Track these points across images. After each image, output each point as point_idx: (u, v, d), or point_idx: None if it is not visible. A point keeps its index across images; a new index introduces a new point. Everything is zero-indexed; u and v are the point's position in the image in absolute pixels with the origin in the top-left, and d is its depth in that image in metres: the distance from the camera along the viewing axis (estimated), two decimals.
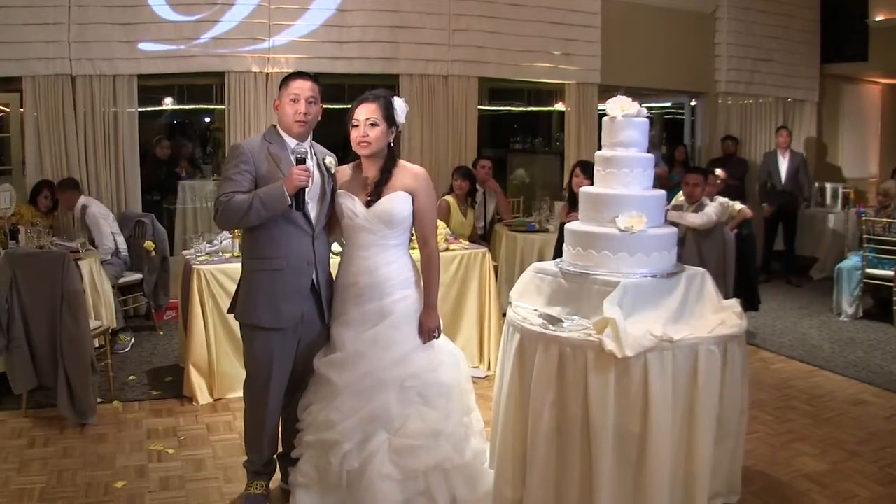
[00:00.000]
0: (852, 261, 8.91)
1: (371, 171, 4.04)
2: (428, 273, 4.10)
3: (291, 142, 4.05)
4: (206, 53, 8.41)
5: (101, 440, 5.20)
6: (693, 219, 7.05)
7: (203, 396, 5.93)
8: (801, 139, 12.30)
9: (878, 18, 11.67)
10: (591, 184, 4.53)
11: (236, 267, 5.85)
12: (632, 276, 4.01)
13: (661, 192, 4.37)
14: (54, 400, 5.44)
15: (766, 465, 4.88)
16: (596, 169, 4.41)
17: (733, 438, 4.10)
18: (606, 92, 9.50)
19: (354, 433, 3.91)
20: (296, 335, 4.10)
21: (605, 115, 4.41)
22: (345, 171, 4.16)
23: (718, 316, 4.12)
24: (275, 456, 4.34)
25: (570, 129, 10.40)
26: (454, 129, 9.56)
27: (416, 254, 4.12)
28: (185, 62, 8.42)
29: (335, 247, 4.64)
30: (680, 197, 7.47)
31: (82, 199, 7.54)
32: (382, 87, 4.21)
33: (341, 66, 8.87)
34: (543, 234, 8.30)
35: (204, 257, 6.27)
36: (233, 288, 5.78)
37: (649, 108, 4.53)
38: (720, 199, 7.44)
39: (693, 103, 12.09)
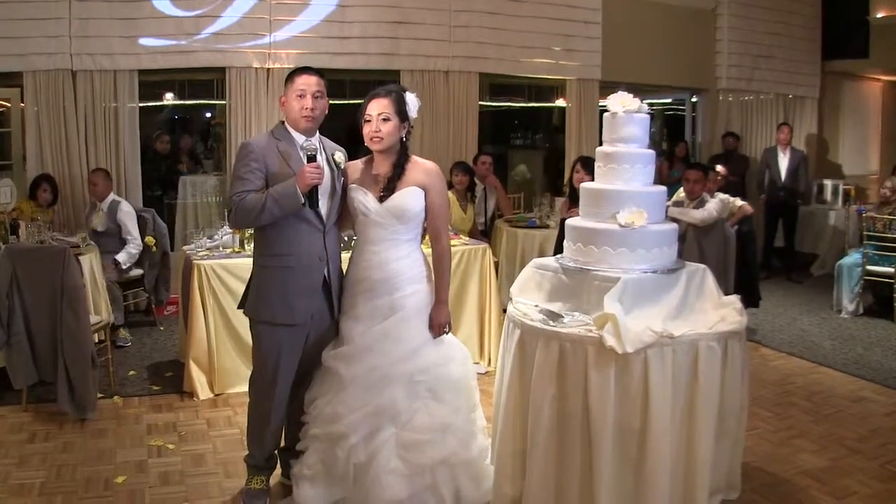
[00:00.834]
0: (853, 258, 8.92)
1: (383, 166, 4.04)
2: (439, 268, 4.11)
3: (300, 138, 4.04)
4: (206, 49, 8.41)
5: (101, 435, 5.20)
6: (694, 215, 7.05)
7: (203, 392, 5.94)
8: (802, 136, 12.29)
9: (879, 15, 11.67)
10: (592, 180, 4.53)
11: (237, 262, 5.92)
12: (632, 271, 4.01)
13: (662, 188, 4.37)
14: (54, 395, 5.44)
15: (766, 461, 4.89)
16: (597, 165, 4.41)
17: (733, 435, 4.10)
18: (607, 88, 9.51)
19: (361, 427, 3.91)
20: (305, 330, 4.11)
21: (606, 111, 4.41)
22: (356, 167, 4.16)
23: (719, 312, 4.12)
24: (276, 451, 4.34)
25: (570, 124, 10.39)
26: (455, 124, 9.56)
27: (427, 249, 4.13)
28: (186, 57, 8.41)
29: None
30: (681, 193, 7.46)
31: (113, 195, 7.58)
32: (385, 82, 4.20)
33: (342, 62, 8.86)
34: (544, 229, 8.29)
35: (204, 252, 6.27)
36: (233, 283, 5.85)
37: (650, 105, 4.51)
38: (721, 195, 7.44)
39: (694, 100, 12.08)
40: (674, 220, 4.80)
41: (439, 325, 4.06)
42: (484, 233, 8.70)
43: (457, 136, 9.57)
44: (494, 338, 6.43)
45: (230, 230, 6.34)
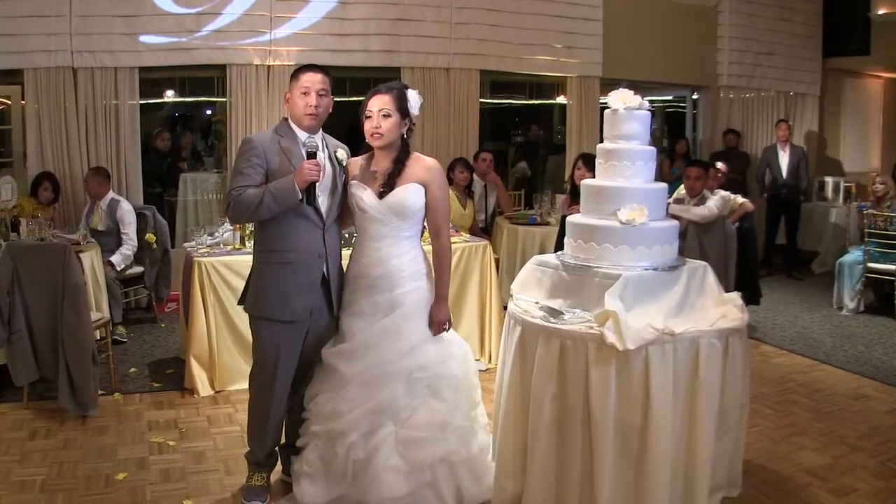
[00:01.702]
0: (854, 255, 8.91)
1: (384, 162, 4.04)
2: (439, 265, 4.11)
3: (302, 135, 4.05)
4: (207, 46, 8.40)
5: (102, 432, 5.20)
6: (695, 212, 7.05)
7: (204, 388, 5.94)
8: (803, 133, 12.28)
9: (880, 12, 11.64)
10: (594, 177, 4.53)
11: (237, 259, 5.93)
12: (633, 268, 4.00)
13: (663, 185, 4.36)
14: (55, 392, 5.45)
15: (767, 458, 4.88)
16: (598, 161, 4.41)
17: (734, 432, 4.10)
18: (608, 85, 9.50)
19: (361, 424, 3.91)
20: (304, 327, 4.11)
21: (606, 108, 4.41)
22: (357, 163, 4.16)
23: (720, 309, 4.12)
24: (277, 448, 4.34)
25: (571, 122, 10.38)
26: (455, 121, 9.56)
27: (427, 246, 4.13)
28: (187, 54, 8.41)
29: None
30: (681, 190, 7.46)
31: (112, 194, 7.59)
32: (386, 79, 4.21)
33: (342, 59, 8.85)
34: (544, 226, 8.29)
35: (205, 249, 6.27)
36: (234, 280, 5.86)
37: (651, 102, 4.51)
38: (722, 192, 7.44)
39: (695, 97, 12.07)
40: (674, 217, 4.80)
41: (439, 322, 4.06)
42: (485, 230, 8.70)
43: (457, 133, 9.57)
44: (495, 335, 6.43)
45: (231, 227, 6.35)
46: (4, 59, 7.81)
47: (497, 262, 7.25)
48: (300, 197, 3.87)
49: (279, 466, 4.41)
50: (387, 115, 3.95)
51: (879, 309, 8.69)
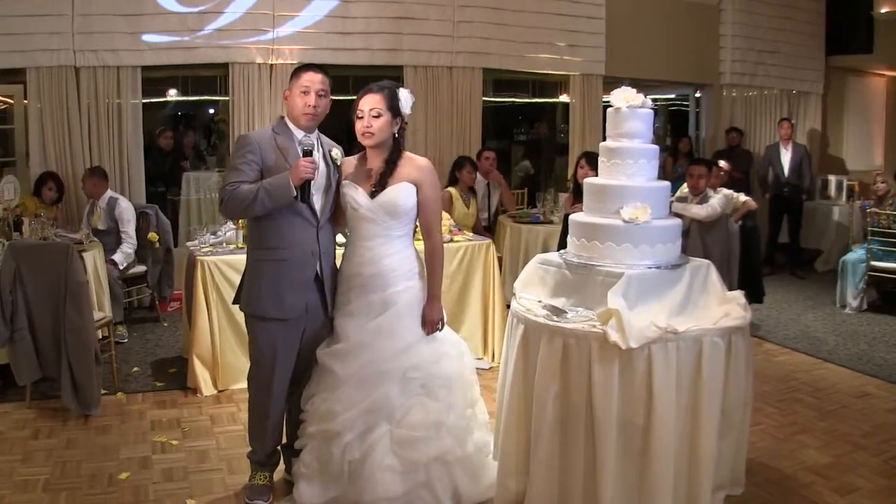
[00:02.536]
0: (857, 253, 8.91)
1: (376, 162, 4.03)
2: (431, 264, 4.10)
3: (299, 133, 4.05)
4: (209, 45, 8.40)
5: (104, 431, 5.21)
6: (697, 210, 7.04)
7: (207, 388, 5.94)
8: (806, 131, 12.28)
9: (883, 10, 11.63)
10: (597, 175, 4.52)
11: (240, 258, 5.88)
12: (636, 267, 4.00)
13: (666, 184, 4.36)
14: (58, 391, 5.45)
15: (770, 457, 4.88)
16: (600, 160, 4.40)
17: (737, 430, 4.10)
18: (611, 83, 9.50)
19: (356, 424, 3.91)
20: (300, 326, 4.11)
21: (609, 106, 4.40)
22: (350, 163, 4.16)
23: (723, 308, 4.11)
24: (279, 447, 4.34)
25: (574, 120, 10.37)
26: (458, 120, 9.55)
27: (420, 245, 4.13)
28: (189, 53, 8.41)
29: (339, 237, 4.64)
30: (684, 189, 7.46)
31: (110, 193, 7.59)
32: (387, 78, 4.20)
33: (345, 58, 8.85)
34: (547, 225, 8.29)
35: (208, 248, 6.27)
36: (237, 279, 5.79)
37: (654, 100, 4.51)
38: (724, 190, 7.44)
39: (697, 95, 12.05)
40: (677, 215, 4.79)
41: (432, 321, 4.05)
42: (487, 228, 8.70)
43: (460, 131, 9.56)
44: (498, 333, 6.43)
45: (234, 226, 6.36)
46: (7, 58, 7.81)
47: (500, 260, 7.25)
48: (295, 194, 3.87)
49: (282, 465, 4.41)
50: (377, 115, 3.94)
51: (882, 307, 8.68)
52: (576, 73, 10.24)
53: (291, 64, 8.22)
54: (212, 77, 10.01)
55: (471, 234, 7.25)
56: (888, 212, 8.69)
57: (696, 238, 6.99)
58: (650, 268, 4.03)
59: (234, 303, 4.37)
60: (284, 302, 4.03)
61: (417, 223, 4.16)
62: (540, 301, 4.18)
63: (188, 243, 6.79)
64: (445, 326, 4.16)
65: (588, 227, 4.19)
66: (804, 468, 4.73)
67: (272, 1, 8.53)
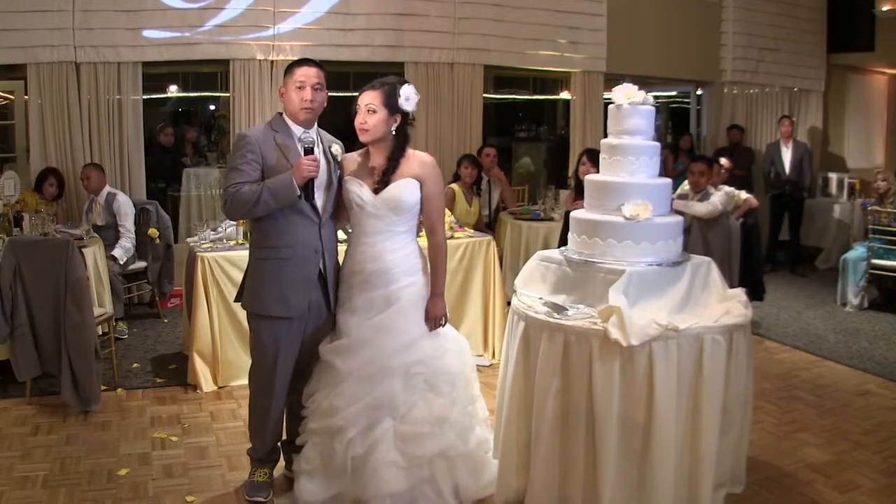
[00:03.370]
0: (858, 251, 8.91)
1: (378, 158, 4.02)
2: (435, 261, 4.09)
3: (298, 130, 4.04)
4: (210, 41, 8.39)
5: (104, 428, 5.20)
6: (699, 208, 7.03)
7: (207, 384, 5.93)
8: (807, 129, 12.27)
9: (885, 8, 11.58)
10: (598, 172, 4.51)
11: (240, 254, 5.91)
12: (637, 264, 4.00)
13: (667, 181, 4.35)
14: (58, 387, 5.45)
15: (771, 455, 4.88)
16: (602, 157, 4.39)
17: (738, 428, 4.10)
18: (612, 80, 9.48)
19: (359, 420, 3.91)
20: (302, 323, 4.10)
21: (610, 103, 4.39)
22: (353, 158, 4.15)
23: (724, 305, 4.11)
24: (279, 443, 4.34)
25: (575, 117, 10.37)
26: (459, 117, 9.53)
27: (423, 241, 4.12)
28: (190, 49, 8.40)
29: (340, 234, 4.63)
30: (685, 186, 7.45)
31: (109, 188, 7.58)
32: (390, 74, 4.19)
33: (346, 54, 8.85)
34: (548, 222, 8.28)
35: (208, 245, 6.27)
36: (237, 275, 5.84)
37: (655, 97, 4.50)
38: (726, 188, 7.43)
39: (699, 92, 12.04)
40: (678, 212, 4.79)
41: (435, 317, 4.05)
42: (488, 225, 8.69)
43: (461, 128, 9.55)
44: (499, 330, 6.43)
45: (234, 222, 6.34)
46: (8, 54, 7.81)
47: (500, 257, 7.24)
48: (298, 193, 3.87)
49: (282, 462, 4.40)
50: (372, 111, 3.93)
51: (883, 305, 8.68)
52: (577, 70, 10.22)
53: (292, 60, 8.18)
54: (212, 73, 10.01)
55: (471, 231, 7.24)
56: (889, 210, 8.69)
57: (697, 235, 6.99)
58: (651, 265, 4.03)
59: (235, 301, 4.36)
60: (288, 300, 4.03)
61: (420, 219, 4.16)
62: (541, 298, 4.18)
63: (188, 239, 6.79)
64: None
65: (589, 223, 4.19)
66: (804, 466, 4.73)
67: None
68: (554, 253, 4.44)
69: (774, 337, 7.57)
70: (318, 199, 4.05)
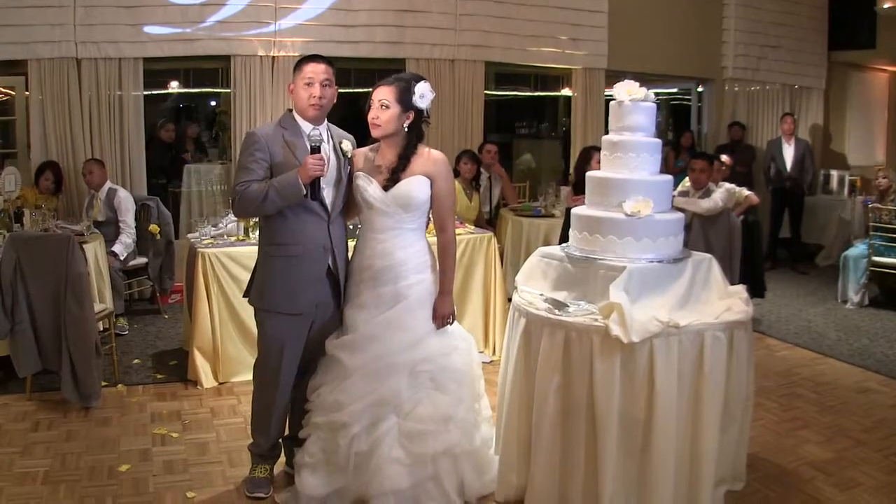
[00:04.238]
0: (859, 249, 8.90)
1: (389, 154, 4.02)
2: (444, 259, 4.08)
3: (307, 126, 4.02)
4: (211, 37, 8.38)
5: (105, 424, 5.20)
6: (699, 205, 7.04)
7: (207, 380, 5.93)
8: (808, 126, 12.26)
9: (886, 6, 11.57)
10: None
11: (241, 250, 5.93)
12: (638, 261, 4.00)
13: (668, 178, 4.35)
14: (58, 383, 5.44)
15: (771, 452, 4.88)
16: (603, 153, 4.39)
17: (738, 425, 4.10)
18: (613, 77, 9.48)
19: (363, 416, 3.90)
20: (309, 319, 4.09)
21: (612, 100, 4.39)
22: (363, 154, 4.14)
23: (725, 302, 4.11)
24: (281, 439, 4.34)
25: (576, 114, 10.36)
26: (460, 113, 9.53)
27: (432, 238, 4.12)
28: (191, 45, 8.39)
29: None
30: (686, 183, 7.45)
31: (109, 184, 7.58)
32: (390, 71, 4.18)
33: (347, 50, 8.83)
34: (549, 218, 8.28)
35: (209, 241, 6.26)
36: (238, 271, 5.86)
37: (656, 94, 4.50)
38: (727, 185, 7.42)
39: (700, 89, 12.03)
40: (679, 209, 4.78)
41: (443, 315, 4.04)
42: (489, 221, 8.69)
43: (462, 124, 9.55)
44: (499, 327, 6.42)
45: (234, 218, 6.34)
46: (8, 50, 7.79)
47: (501, 253, 7.23)
48: (304, 192, 3.86)
49: (282, 458, 4.41)
50: (385, 107, 3.92)
51: (884, 303, 8.68)
52: (578, 67, 10.20)
53: (293, 56, 8.19)
54: (213, 69, 10.00)
55: (472, 227, 7.24)
56: (890, 207, 8.68)
57: (698, 232, 6.99)
58: (652, 262, 4.03)
59: (244, 296, 4.35)
60: (297, 297, 4.02)
61: (430, 216, 4.15)
62: (542, 294, 4.17)
63: (189, 235, 6.79)
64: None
65: (590, 220, 4.19)
66: (805, 463, 4.73)
67: None
68: (555, 249, 4.44)
69: (775, 334, 7.57)
70: (328, 195, 4.03)
